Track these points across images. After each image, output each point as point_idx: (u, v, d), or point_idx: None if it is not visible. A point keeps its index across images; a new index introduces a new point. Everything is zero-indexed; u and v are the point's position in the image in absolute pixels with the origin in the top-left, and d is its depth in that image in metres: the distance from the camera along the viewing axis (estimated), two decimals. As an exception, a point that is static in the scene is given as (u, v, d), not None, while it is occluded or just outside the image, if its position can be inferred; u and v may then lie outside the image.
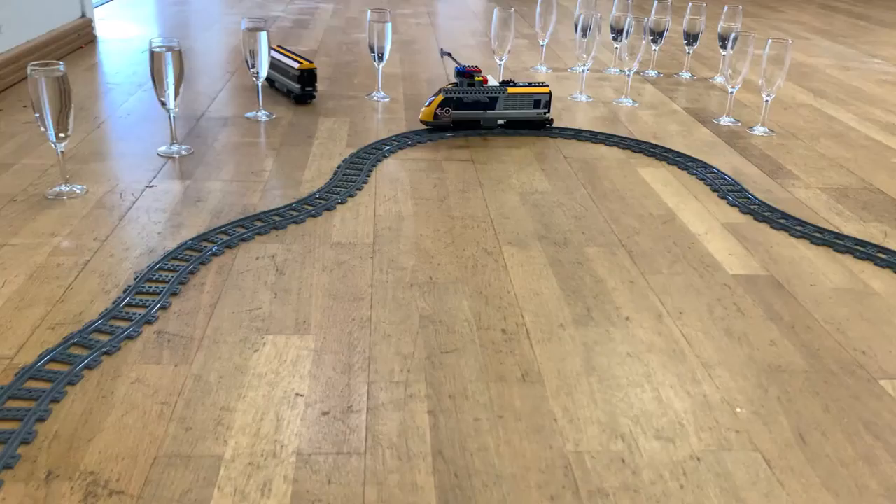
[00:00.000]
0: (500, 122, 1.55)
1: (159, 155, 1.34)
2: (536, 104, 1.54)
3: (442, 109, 1.49)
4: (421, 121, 1.52)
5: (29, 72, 1.08)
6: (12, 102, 1.58)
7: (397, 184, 1.27)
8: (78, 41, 2.06)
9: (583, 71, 1.83)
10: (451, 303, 0.92)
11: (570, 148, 1.48)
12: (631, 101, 1.80)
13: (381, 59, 1.68)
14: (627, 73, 1.80)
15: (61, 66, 1.09)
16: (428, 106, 1.50)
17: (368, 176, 1.29)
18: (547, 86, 1.54)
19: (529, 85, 1.54)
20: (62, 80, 1.09)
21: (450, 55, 1.66)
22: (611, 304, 0.93)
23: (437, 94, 1.50)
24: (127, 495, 0.61)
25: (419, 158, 1.39)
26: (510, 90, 1.52)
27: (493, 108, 1.52)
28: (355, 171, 1.31)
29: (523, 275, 0.99)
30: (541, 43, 2.08)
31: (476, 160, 1.39)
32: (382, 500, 0.62)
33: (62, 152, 1.15)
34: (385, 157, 1.39)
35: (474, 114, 1.52)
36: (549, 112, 1.55)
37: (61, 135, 1.12)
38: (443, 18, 2.87)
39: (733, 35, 1.70)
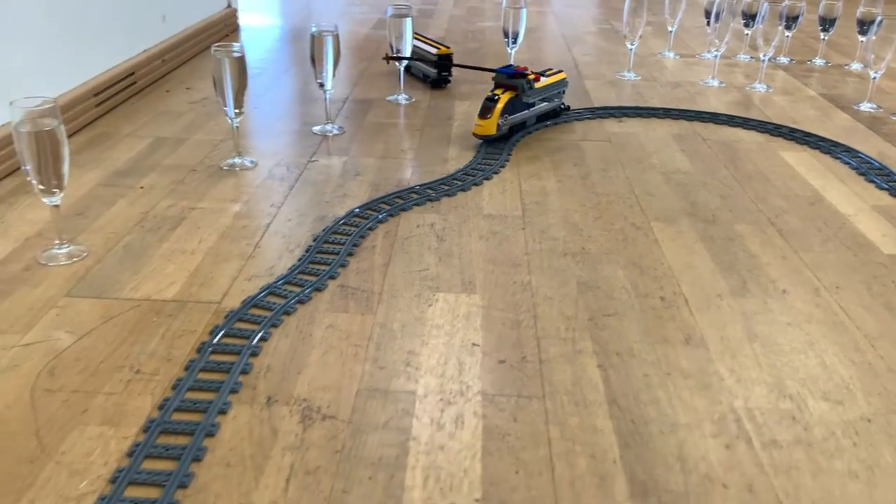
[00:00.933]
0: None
1: (314, 133, 1.44)
2: (560, 93, 1.51)
3: (502, 118, 1.36)
4: (478, 135, 1.37)
5: (213, 52, 1.18)
6: (176, 85, 1.72)
7: (538, 162, 1.32)
8: (224, 29, 2.21)
9: (715, 56, 1.83)
10: (606, 271, 0.96)
11: (708, 131, 1.49)
12: (765, 86, 1.79)
13: (514, 41, 1.73)
14: (763, 57, 1.78)
15: (238, 47, 1.20)
16: (487, 119, 1.35)
17: (510, 155, 1.35)
18: (562, 71, 1.51)
19: (549, 73, 1.49)
20: (241, 61, 1.20)
21: (403, 58, 1.58)
22: (766, 278, 0.95)
23: (491, 102, 1.36)
24: (338, 420, 0.69)
25: (556, 138, 1.44)
26: (545, 81, 1.45)
27: (534, 105, 1.45)
28: (496, 150, 1.36)
29: (675, 248, 1.02)
30: (669, 29, 2.08)
31: (613, 141, 1.42)
32: (566, 438, 0.68)
33: (237, 127, 1.26)
34: (523, 137, 1.44)
35: (524, 114, 1.43)
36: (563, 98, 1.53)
37: (237, 111, 1.22)
38: (560, 6, 2.89)
39: (878, 19, 1.66)
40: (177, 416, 0.68)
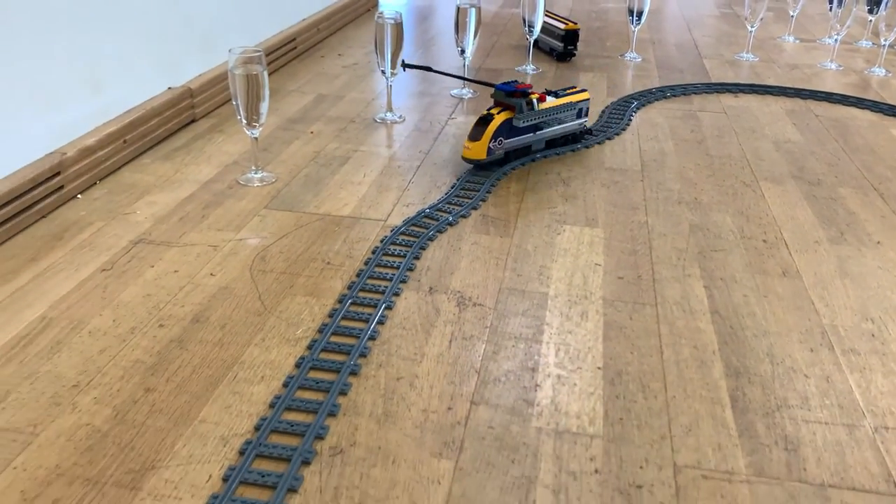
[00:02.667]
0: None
1: (452, 96, 1.61)
2: (578, 114, 1.31)
3: (495, 141, 1.20)
4: (467, 159, 1.21)
5: (376, 18, 1.37)
6: (328, 51, 1.94)
7: (657, 127, 1.45)
8: (367, 5, 2.42)
9: (835, 41, 1.88)
10: (715, 217, 1.09)
11: (821, 108, 1.57)
12: (884, 70, 1.83)
13: (639, 19, 1.85)
14: (884, 42, 1.82)
15: (397, 14, 1.38)
16: (477, 141, 1.19)
17: (630, 120, 1.48)
18: (585, 91, 1.32)
19: (568, 91, 1.31)
20: (399, 27, 1.38)
21: (417, 67, 1.39)
22: (862, 231, 1.05)
23: (483, 122, 1.20)
24: (486, 307, 0.86)
25: (675, 108, 1.55)
26: (553, 102, 1.27)
27: (541, 128, 1.27)
28: (618, 115, 1.50)
29: (780, 203, 1.14)
30: (791, 14, 2.13)
31: (728, 113, 1.53)
32: (674, 334, 0.82)
33: (390, 85, 1.45)
34: (643, 105, 1.57)
35: (526, 138, 1.26)
36: (586, 119, 1.34)
37: (393, 71, 1.41)
38: (683, -8, 2.96)
39: None
40: (362, 295, 0.87)
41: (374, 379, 0.74)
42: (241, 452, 0.65)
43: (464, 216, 1.08)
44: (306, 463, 0.64)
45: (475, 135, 1.19)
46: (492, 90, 1.24)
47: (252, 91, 1.10)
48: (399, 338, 0.80)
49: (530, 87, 1.21)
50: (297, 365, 0.75)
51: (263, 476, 0.62)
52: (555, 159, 1.29)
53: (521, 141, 1.24)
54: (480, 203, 1.12)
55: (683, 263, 0.96)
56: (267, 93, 1.11)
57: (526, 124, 1.23)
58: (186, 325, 0.81)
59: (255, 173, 1.17)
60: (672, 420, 0.70)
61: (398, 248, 0.98)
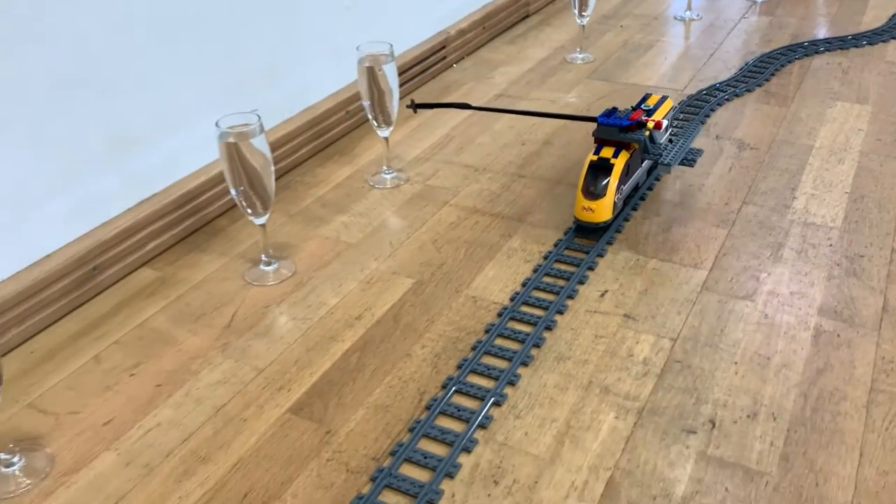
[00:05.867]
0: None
1: (752, 2, 1.81)
2: (667, 129, 1.01)
3: (618, 193, 0.93)
4: (585, 222, 0.93)
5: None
6: None
7: (948, 29, 1.54)
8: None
9: None
10: (984, 102, 1.23)
11: None
12: None
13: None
14: None
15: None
16: (601, 199, 0.91)
17: (921, 22, 1.58)
18: (668, 98, 1.04)
19: (659, 104, 1.01)
20: (705, -64, 1.61)
21: (426, 106, 1.13)
22: None
23: (601, 174, 0.92)
24: (760, 150, 1.13)
25: (972, 13, 1.62)
26: (661, 112, 1.00)
27: (648, 152, 0.99)
28: (909, 18, 1.61)
29: None
30: None
31: None
32: (917, 178, 1.04)
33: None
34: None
35: (637, 176, 1.00)
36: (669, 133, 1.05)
37: (694, -25, 1.65)
38: None
39: None
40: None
41: (677, 181, 1.06)
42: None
43: (749, 90, 1.33)
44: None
45: (597, 190, 0.92)
46: (592, 126, 0.97)
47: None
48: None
49: (641, 113, 0.97)
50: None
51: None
52: (839, 53, 1.47)
53: (633, 182, 0.99)
54: (764, 81, 1.36)
55: (941, 134, 1.15)
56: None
57: (637, 165, 0.99)
58: (539, 146, 1.19)
59: (580, 54, 1.51)
60: (900, 229, 0.94)
61: (692, 108, 1.27)
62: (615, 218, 0.95)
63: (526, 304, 0.84)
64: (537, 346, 0.78)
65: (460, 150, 1.19)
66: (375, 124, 1.06)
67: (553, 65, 1.49)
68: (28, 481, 0.67)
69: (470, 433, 0.68)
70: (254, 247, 0.97)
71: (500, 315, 0.83)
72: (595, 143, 0.96)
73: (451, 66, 1.51)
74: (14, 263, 0.84)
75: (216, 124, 0.83)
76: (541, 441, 0.68)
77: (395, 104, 1.05)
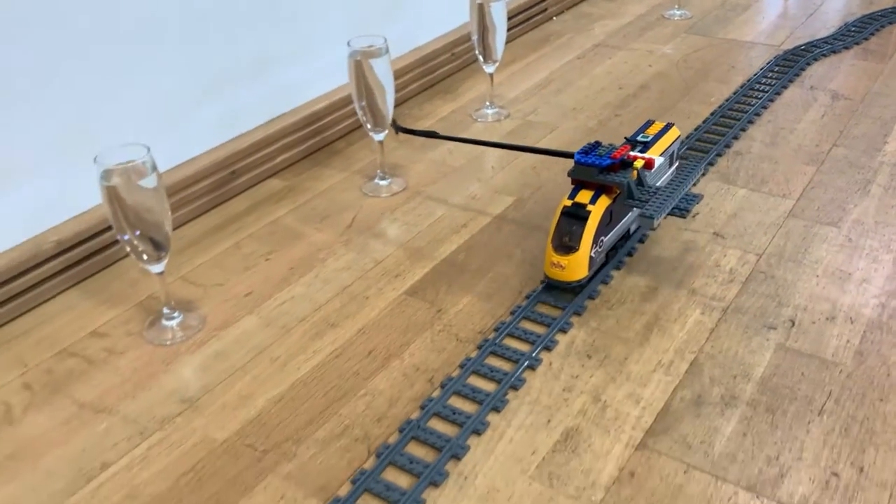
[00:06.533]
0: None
1: (849, -35, 1.81)
2: (671, 160, 0.87)
3: (596, 246, 0.77)
4: (554, 281, 0.78)
5: None
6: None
7: None
8: None
9: None
10: None
11: None
12: None
13: None
14: None
15: None
16: (572, 253, 0.76)
17: None
18: (673, 125, 0.89)
19: (659, 135, 0.87)
20: None
21: (405, 131, 1.03)
22: None
23: (575, 222, 0.77)
24: (853, 101, 1.16)
25: None
26: (658, 153, 0.83)
27: (633, 198, 0.79)
28: None
29: None
30: None
31: None
32: None
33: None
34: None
35: (626, 223, 0.84)
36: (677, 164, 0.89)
37: (798, -62, 1.66)
38: None
39: None
40: (761, 84, 1.22)
41: (769, 124, 1.10)
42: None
43: (846, 48, 1.35)
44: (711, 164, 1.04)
45: (569, 242, 0.77)
46: (568, 164, 0.81)
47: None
48: (785, 108, 1.15)
49: (628, 148, 0.81)
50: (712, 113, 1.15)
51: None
52: (942, 17, 1.46)
53: (619, 232, 0.83)
54: (863, 40, 1.37)
55: None
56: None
57: (621, 210, 0.81)
58: (636, 90, 1.25)
59: (677, 10, 1.55)
60: None
61: (787, 62, 1.30)
62: (593, 276, 0.80)
63: (619, 221, 0.92)
64: (630, 254, 0.85)
65: (559, 91, 1.26)
66: (482, 59, 1.15)
67: (651, 20, 1.54)
68: (184, 333, 0.79)
69: (566, 318, 0.76)
70: (369, 165, 1.06)
71: (595, 228, 0.91)
72: (572, 184, 0.80)
73: (552, 18, 1.58)
74: (166, 162, 0.96)
75: (348, 43, 0.93)
76: (631, 328, 0.75)
77: (500, 42, 1.13)
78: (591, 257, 0.77)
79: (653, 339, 0.74)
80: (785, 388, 0.67)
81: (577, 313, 0.78)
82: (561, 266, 0.77)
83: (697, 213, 0.92)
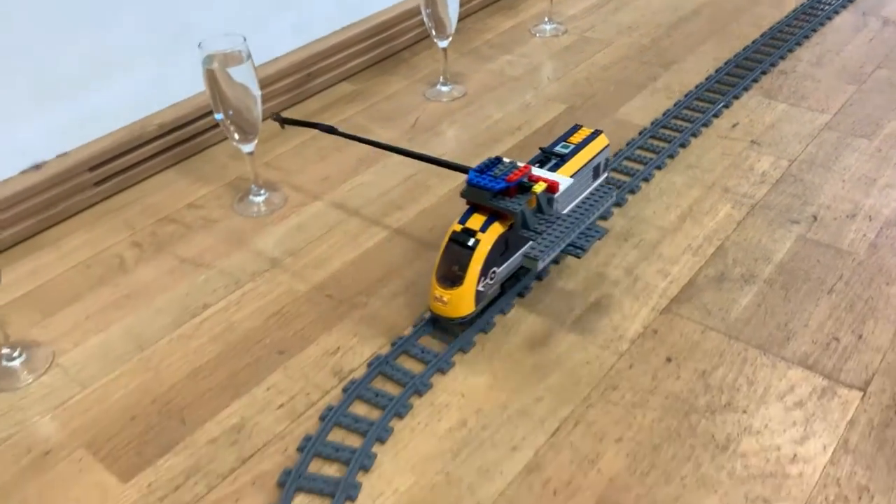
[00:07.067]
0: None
1: None
2: (596, 173, 0.77)
3: (485, 279, 0.67)
4: (437, 315, 0.69)
5: None
6: None
7: None
8: None
9: None
10: None
11: None
12: None
13: None
14: None
15: None
16: (456, 287, 0.67)
17: None
18: (601, 132, 0.78)
19: (581, 146, 0.76)
20: None
21: (289, 122, 0.92)
22: None
23: (460, 254, 0.67)
24: (905, 27, 1.19)
25: None
26: (571, 171, 0.73)
27: (528, 228, 0.71)
28: None
29: None
30: None
31: None
32: None
33: None
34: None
35: (526, 252, 0.70)
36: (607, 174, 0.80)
37: None
38: None
39: None
40: (809, 11, 1.26)
41: (816, 46, 1.14)
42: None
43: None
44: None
45: (453, 276, 0.68)
46: (462, 183, 0.72)
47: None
48: (834, 32, 1.19)
49: (528, 169, 0.69)
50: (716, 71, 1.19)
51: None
52: None
53: (515, 263, 0.71)
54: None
55: None
56: None
57: (516, 237, 0.69)
58: (689, 13, 1.29)
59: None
60: None
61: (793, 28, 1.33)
62: (483, 311, 0.71)
63: (665, 127, 0.98)
64: (672, 156, 0.93)
65: (616, 10, 1.31)
66: (544, -23, 1.21)
67: None
68: (268, 208, 0.90)
69: (607, 207, 0.84)
70: (431, 73, 1.15)
71: (640, 133, 0.98)
72: (466, 205, 0.70)
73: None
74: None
75: (419, -45, 1.00)
76: (665, 218, 0.83)
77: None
78: (478, 291, 0.67)
79: (685, 227, 0.82)
80: (800, 271, 0.75)
81: (619, 204, 0.86)
82: (443, 301, 0.67)
83: (737, 124, 0.98)
